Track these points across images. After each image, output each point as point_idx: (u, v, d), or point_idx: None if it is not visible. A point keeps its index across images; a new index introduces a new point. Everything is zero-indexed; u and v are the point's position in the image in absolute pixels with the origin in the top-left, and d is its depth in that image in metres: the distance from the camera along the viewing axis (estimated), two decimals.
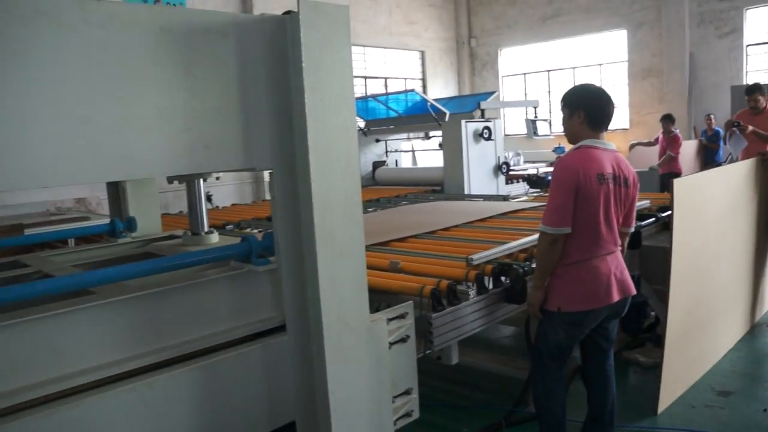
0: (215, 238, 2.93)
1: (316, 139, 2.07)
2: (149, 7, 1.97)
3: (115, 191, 3.67)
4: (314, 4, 2.07)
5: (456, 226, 4.47)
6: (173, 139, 1.99)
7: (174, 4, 12.17)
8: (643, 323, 4.49)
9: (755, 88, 7.20)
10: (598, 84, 14.48)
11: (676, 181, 3.49)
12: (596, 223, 2.91)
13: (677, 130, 9.68)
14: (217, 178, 3.17)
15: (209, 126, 2.08)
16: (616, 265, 3.03)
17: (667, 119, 9.65)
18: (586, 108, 2.99)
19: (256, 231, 4.86)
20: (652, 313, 4.73)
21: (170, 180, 2.89)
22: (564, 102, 3.12)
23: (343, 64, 2.14)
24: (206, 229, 2.96)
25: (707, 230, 4.17)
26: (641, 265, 4.84)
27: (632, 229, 3.23)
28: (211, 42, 2.06)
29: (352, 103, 2.18)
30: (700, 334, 4.21)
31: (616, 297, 2.99)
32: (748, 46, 12.41)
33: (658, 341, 4.68)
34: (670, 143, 9.53)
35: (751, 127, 6.70)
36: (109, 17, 1.84)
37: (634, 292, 3.10)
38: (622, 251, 3.17)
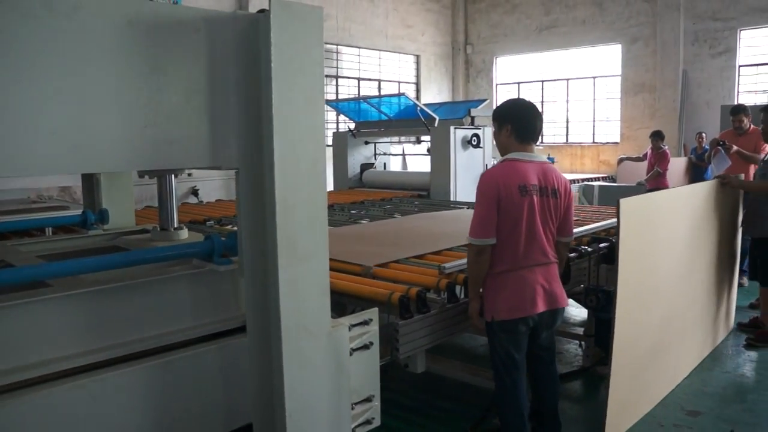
0: (184, 234, 2.90)
1: (282, 140, 2.05)
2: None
3: (90, 183, 3.63)
4: (286, 4, 2.04)
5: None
6: (136, 134, 1.96)
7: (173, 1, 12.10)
8: None
9: (740, 109, 7.29)
10: (590, 96, 14.55)
11: (623, 201, 3.34)
12: (519, 234, 2.97)
13: (666, 147, 9.71)
14: (189, 174, 3.14)
15: (175, 122, 2.04)
16: (546, 276, 3.08)
17: (657, 135, 9.68)
18: (513, 121, 3.09)
19: (235, 228, 4.83)
20: None
21: (140, 174, 2.86)
22: (493, 117, 3.22)
23: (313, 65, 2.12)
24: (176, 224, 2.93)
25: (662, 251, 4.08)
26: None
27: (571, 238, 3.34)
28: (181, 37, 2.03)
29: (321, 105, 2.16)
30: (658, 356, 4.14)
31: (541, 308, 3.05)
32: (740, 66, 12.47)
33: None
34: (659, 159, 9.55)
35: (735, 147, 6.73)
36: (75, 7, 1.81)
37: (563, 304, 3.17)
38: (560, 262, 3.25)
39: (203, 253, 2.34)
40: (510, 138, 3.08)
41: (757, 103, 11.57)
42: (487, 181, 3.00)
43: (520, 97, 15.99)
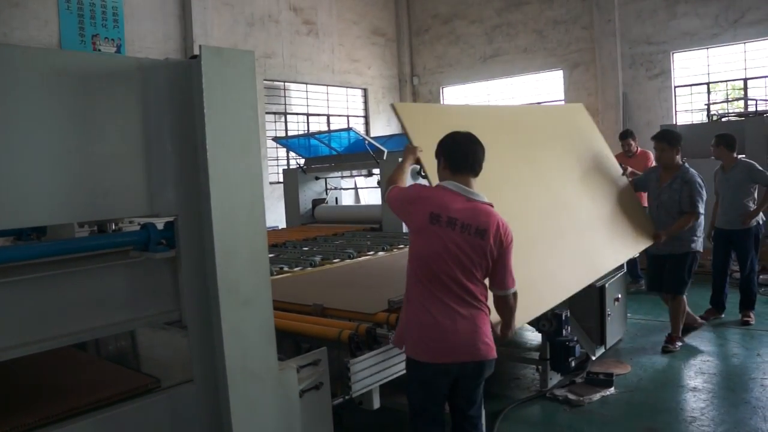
0: None
1: (218, 186, 2.06)
2: (45, 51, 1.94)
3: None
4: (216, 50, 2.06)
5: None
6: (69, 186, 1.95)
7: (113, 39, 11.96)
8: (571, 361, 4.54)
9: (627, 134, 8.20)
10: None
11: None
12: (429, 261, 2.81)
13: None
14: (131, 223, 3.10)
15: (110, 172, 2.04)
16: (467, 323, 2.82)
17: None
18: (445, 154, 3.01)
19: None
20: (582, 350, 4.79)
21: (81, 224, 2.82)
22: (435, 152, 3.11)
23: (246, 110, 2.14)
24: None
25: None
26: (570, 304, 4.92)
27: (504, 293, 2.95)
28: (112, 86, 2.03)
29: (256, 148, 2.18)
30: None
31: (459, 358, 2.82)
32: (676, 87, 12.94)
33: (590, 380, 4.75)
34: None
35: (630, 169, 7.14)
36: None
37: (488, 356, 2.88)
38: (501, 316, 3.06)
39: (139, 241, 2.21)
40: (445, 170, 2.99)
41: (693, 122, 12.04)
42: (414, 187, 3.03)
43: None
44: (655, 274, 5.76)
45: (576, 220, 4.91)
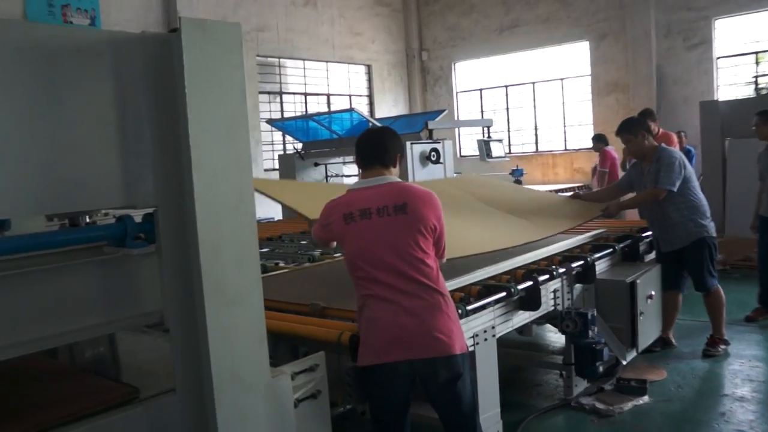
0: None
1: (201, 173, 2.06)
2: (1, 21, 1.92)
3: None
4: (199, 22, 2.06)
5: None
6: (35, 175, 1.95)
7: (86, 10, 11.93)
8: (599, 366, 4.52)
9: (646, 115, 8.48)
10: (559, 100, 14.81)
11: None
12: (359, 261, 2.90)
13: (609, 147, 10.64)
14: (106, 214, 3.11)
15: (81, 159, 2.04)
16: (411, 318, 2.81)
17: (598, 139, 10.81)
18: (357, 151, 3.15)
19: None
20: (611, 354, 4.78)
21: (49, 218, 2.82)
22: None
23: (233, 89, 2.14)
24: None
25: None
26: (596, 302, 4.91)
27: (440, 261, 3.07)
28: (82, 63, 2.03)
29: (245, 132, 2.17)
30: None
31: (402, 355, 2.80)
32: (718, 58, 12.85)
33: (620, 387, 4.73)
34: (601, 160, 10.62)
35: None
36: None
37: (440, 354, 2.83)
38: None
39: (114, 236, 2.18)
40: (360, 171, 3.14)
41: (738, 97, 11.95)
42: (325, 206, 3.08)
43: (482, 104, 16.30)
44: (671, 272, 5.70)
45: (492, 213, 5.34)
